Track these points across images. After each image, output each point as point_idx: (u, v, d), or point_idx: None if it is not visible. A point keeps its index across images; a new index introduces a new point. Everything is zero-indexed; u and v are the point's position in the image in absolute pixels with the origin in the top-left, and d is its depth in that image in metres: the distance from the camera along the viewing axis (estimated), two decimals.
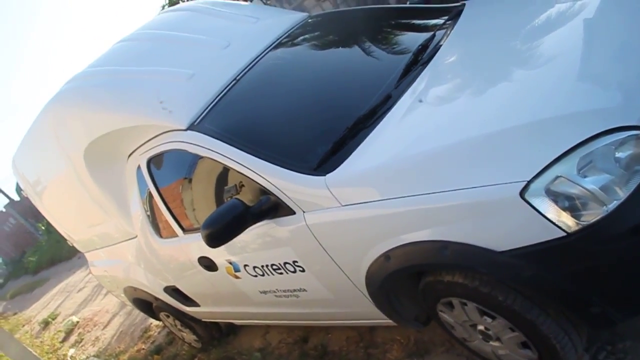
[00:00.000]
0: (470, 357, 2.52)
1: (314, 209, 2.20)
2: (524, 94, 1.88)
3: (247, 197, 2.45)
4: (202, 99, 2.76)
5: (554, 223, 1.57)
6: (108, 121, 3.13)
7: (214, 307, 3.71)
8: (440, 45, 2.61)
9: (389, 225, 1.96)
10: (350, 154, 2.16)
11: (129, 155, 3.27)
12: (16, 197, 22.86)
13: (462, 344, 2.41)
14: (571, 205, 1.56)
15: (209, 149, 2.55)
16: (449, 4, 3.17)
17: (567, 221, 1.56)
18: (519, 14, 2.56)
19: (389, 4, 7.68)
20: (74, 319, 7.91)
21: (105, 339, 6.48)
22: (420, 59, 2.57)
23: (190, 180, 2.99)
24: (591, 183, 1.54)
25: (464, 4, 3.02)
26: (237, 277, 2.93)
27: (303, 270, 2.48)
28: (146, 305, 4.56)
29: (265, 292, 2.91)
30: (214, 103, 2.74)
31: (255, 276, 2.78)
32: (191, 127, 2.67)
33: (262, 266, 2.67)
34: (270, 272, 2.65)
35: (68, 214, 4.43)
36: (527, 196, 1.57)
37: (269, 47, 3.14)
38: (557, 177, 1.56)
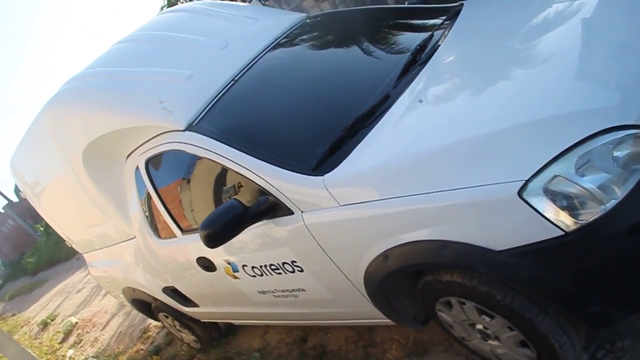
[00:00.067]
0: (469, 356, 2.53)
1: (313, 209, 2.21)
2: (522, 94, 1.89)
3: (245, 197, 2.45)
4: (200, 99, 2.76)
5: (552, 222, 1.57)
6: (106, 122, 3.13)
7: (213, 307, 3.71)
8: (439, 45, 2.61)
9: (387, 224, 1.96)
10: (349, 154, 2.16)
11: (128, 156, 3.27)
12: (15, 199, 22.86)
13: (461, 343, 2.41)
14: (569, 204, 1.56)
15: (207, 150, 2.55)
16: (447, 4, 3.17)
17: (566, 220, 1.56)
18: (517, 14, 2.56)
19: (387, 4, 7.68)
20: (73, 319, 7.91)
21: (104, 339, 6.48)
22: (419, 58, 2.57)
23: (188, 181, 2.99)
24: (589, 182, 1.55)
25: (462, 4, 3.02)
26: (235, 278, 2.93)
27: (302, 270, 2.48)
28: (145, 305, 4.55)
29: (263, 292, 2.91)
30: (212, 104, 2.74)
31: (254, 276, 2.78)
32: (189, 128, 2.66)
33: (261, 266, 2.67)
34: (269, 272, 2.65)
35: (66, 215, 4.43)
36: (525, 195, 1.58)
37: (268, 47, 3.15)
38: (555, 177, 1.57)
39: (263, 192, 2.34)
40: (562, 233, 1.56)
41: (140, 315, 5.59)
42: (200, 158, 2.66)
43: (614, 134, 1.56)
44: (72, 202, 3.94)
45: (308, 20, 3.60)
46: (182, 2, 9.76)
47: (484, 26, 2.68)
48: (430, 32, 2.79)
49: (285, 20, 3.54)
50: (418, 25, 3.24)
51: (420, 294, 2.21)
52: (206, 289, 3.39)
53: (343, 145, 2.24)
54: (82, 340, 7.04)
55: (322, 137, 2.34)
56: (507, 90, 2.00)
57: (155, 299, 4.16)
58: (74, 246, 5.00)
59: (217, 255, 2.85)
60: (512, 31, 2.42)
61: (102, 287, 5.63)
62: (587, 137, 1.56)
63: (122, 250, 3.99)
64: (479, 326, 2.16)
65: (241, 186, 2.51)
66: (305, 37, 3.42)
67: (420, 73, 2.43)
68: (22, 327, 9.87)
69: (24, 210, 20.94)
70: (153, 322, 5.63)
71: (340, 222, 2.12)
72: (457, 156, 1.80)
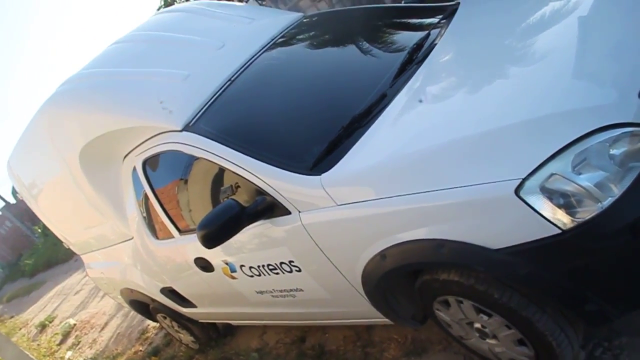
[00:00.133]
0: (467, 355, 2.53)
1: (310, 208, 2.20)
2: (519, 92, 1.88)
3: (242, 197, 2.45)
4: (197, 99, 2.76)
5: (549, 220, 1.57)
6: (103, 123, 3.13)
7: (211, 307, 3.70)
8: (435, 44, 2.61)
9: (384, 224, 1.96)
10: (346, 153, 2.16)
11: (125, 157, 3.27)
12: (12, 200, 22.83)
13: (459, 342, 2.41)
14: (566, 202, 1.56)
15: (204, 150, 2.55)
16: (444, 2, 3.17)
17: (562, 218, 1.56)
18: (513, 13, 2.56)
19: (384, 3, 7.68)
20: (71, 321, 7.90)
21: (103, 341, 6.47)
22: (415, 57, 2.57)
23: (186, 181, 2.99)
24: (586, 180, 1.55)
25: (459, 3, 3.02)
26: (233, 278, 2.92)
27: (299, 270, 2.47)
28: (143, 306, 4.55)
29: (261, 293, 2.90)
30: (209, 104, 2.74)
31: (252, 276, 2.78)
32: (186, 128, 2.66)
33: (259, 266, 2.67)
34: (267, 272, 2.65)
35: (64, 216, 4.42)
36: (522, 194, 1.58)
37: (264, 47, 3.14)
38: (551, 175, 1.57)
39: (260, 192, 2.33)
40: (559, 231, 1.56)
41: (139, 316, 5.59)
42: (197, 158, 2.66)
43: (610, 131, 1.56)
44: (69, 204, 3.93)
45: (305, 20, 3.59)
46: (178, 2, 9.76)
47: (480, 25, 2.68)
48: (426, 31, 2.80)
49: (281, 20, 3.53)
50: (415, 24, 3.24)
51: (418, 293, 2.21)
52: (204, 289, 3.39)
53: (340, 144, 2.24)
54: (80, 341, 7.04)
55: (319, 137, 2.34)
56: (504, 89, 2.00)
57: (153, 300, 4.16)
58: (71, 247, 4.99)
59: (214, 255, 2.85)
60: (508, 29, 2.42)
61: (100, 288, 5.62)
62: (584, 135, 1.56)
63: (119, 252, 3.99)
64: (477, 325, 2.16)
65: (238, 186, 2.51)
66: (301, 36, 3.41)
67: (417, 72, 2.43)
68: (20, 329, 9.85)
69: (21, 212, 20.93)
70: (151, 323, 5.63)
71: (337, 222, 2.12)
72: (453, 155, 1.79)
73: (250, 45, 3.15)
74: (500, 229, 1.68)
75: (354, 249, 2.14)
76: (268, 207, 2.32)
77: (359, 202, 2.01)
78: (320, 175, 2.14)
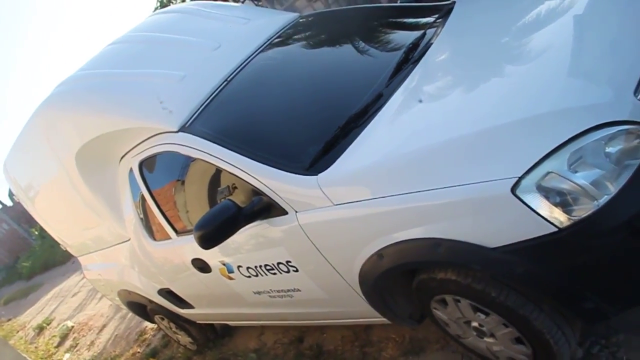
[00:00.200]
0: (465, 354, 2.53)
1: (307, 208, 2.20)
2: (514, 91, 1.89)
3: (239, 198, 2.45)
4: (193, 100, 2.76)
5: (545, 219, 1.58)
6: (99, 124, 3.12)
7: (209, 308, 3.70)
8: (431, 44, 2.61)
9: (381, 223, 1.96)
10: (342, 153, 2.16)
11: (121, 158, 3.26)
12: (9, 203, 22.76)
13: (457, 340, 2.42)
14: (562, 200, 1.57)
15: (200, 151, 2.55)
16: (439, 2, 3.17)
17: (559, 216, 1.57)
18: (508, 11, 2.56)
19: (380, 3, 7.68)
20: (69, 323, 7.88)
21: (101, 343, 6.46)
22: (411, 57, 2.57)
23: (182, 182, 2.98)
24: (582, 178, 1.55)
25: (454, 2, 3.02)
26: (230, 279, 2.92)
27: (296, 270, 2.47)
28: (141, 308, 4.54)
29: (259, 293, 2.90)
30: (205, 104, 2.74)
31: (249, 277, 2.77)
32: (183, 129, 2.66)
33: (256, 267, 2.66)
34: (264, 272, 2.64)
35: (61, 218, 4.41)
36: (518, 192, 1.58)
37: (260, 47, 3.14)
38: (548, 173, 1.57)
39: (257, 192, 2.33)
40: (556, 229, 1.57)
41: (136, 318, 5.58)
42: (194, 159, 2.66)
43: (605, 129, 1.56)
44: (66, 205, 3.93)
45: (301, 20, 3.60)
46: (174, 3, 9.75)
47: (476, 24, 2.68)
48: (422, 31, 2.80)
49: (277, 20, 3.53)
50: (410, 24, 3.24)
51: (415, 292, 2.21)
52: (202, 290, 3.38)
53: (336, 144, 2.24)
54: (78, 344, 7.02)
55: (315, 137, 2.33)
56: (500, 88, 2.00)
57: (151, 301, 4.16)
58: (68, 249, 4.98)
59: (212, 256, 2.85)
60: (504, 28, 2.42)
61: (98, 290, 5.62)
62: (580, 134, 1.56)
63: (117, 253, 3.98)
64: (474, 323, 2.16)
65: (235, 187, 2.51)
66: (297, 36, 3.41)
67: (413, 72, 2.43)
68: (18, 331, 9.82)
69: (18, 214, 20.86)
70: (149, 325, 5.63)
71: (334, 222, 2.12)
72: (450, 154, 1.80)
73: (246, 45, 3.15)
74: (496, 227, 1.68)
75: (351, 249, 2.14)
76: (265, 208, 2.32)
77: (356, 201, 2.01)
78: (316, 175, 2.14)
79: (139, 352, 5.46)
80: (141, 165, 3.11)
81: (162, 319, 4.48)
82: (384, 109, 2.27)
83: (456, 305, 2.11)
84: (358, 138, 2.19)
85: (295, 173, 2.22)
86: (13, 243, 21.97)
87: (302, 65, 3.11)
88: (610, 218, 1.54)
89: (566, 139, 1.57)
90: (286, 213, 2.28)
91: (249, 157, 2.37)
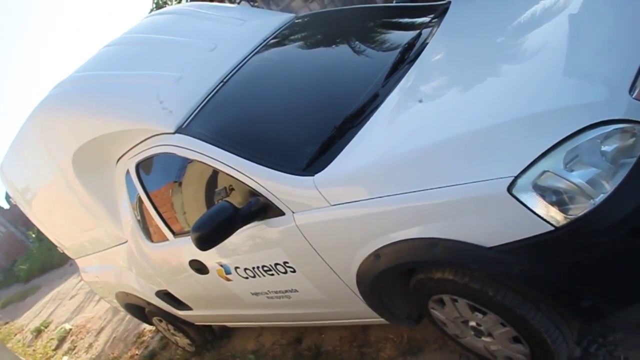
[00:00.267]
0: (463, 354, 2.53)
1: (303, 209, 2.20)
2: (510, 90, 1.89)
3: (236, 199, 2.44)
4: (189, 101, 2.75)
5: (542, 218, 1.58)
6: (95, 126, 3.12)
7: (207, 310, 3.70)
8: (427, 43, 2.61)
9: (378, 223, 1.96)
10: (339, 153, 2.16)
11: (118, 160, 3.26)
12: (5, 205, 22.69)
13: (455, 340, 2.42)
14: (559, 199, 1.57)
15: (197, 152, 2.55)
16: (435, 2, 3.18)
17: (555, 215, 1.57)
18: (504, 11, 2.56)
19: (375, 3, 7.69)
20: (67, 326, 7.86)
21: (99, 345, 6.45)
22: (407, 57, 2.57)
23: (179, 184, 2.98)
24: (578, 177, 1.55)
25: (450, 2, 3.03)
26: (228, 280, 2.92)
27: (294, 271, 2.47)
28: (138, 310, 4.53)
29: (257, 294, 2.90)
30: (201, 106, 2.74)
31: (247, 278, 2.77)
32: (179, 130, 2.65)
33: (253, 268, 2.66)
34: (262, 273, 2.64)
35: (58, 221, 4.40)
36: (514, 192, 1.58)
37: (256, 48, 3.14)
38: (544, 172, 1.57)
39: (254, 193, 2.33)
40: (552, 228, 1.57)
41: (135, 320, 5.57)
42: (190, 161, 2.65)
43: (601, 128, 1.56)
44: (63, 208, 3.92)
45: (296, 21, 3.59)
46: (170, 4, 9.74)
47: (471, 23, 2.68)
48: (418, 31, 2.80)
49: (273, 20, 3.53)
50: (406, 24, 3.25)
51: (413, 292, 2.21)
52: (199, 291, 3.38)
53: (333, 145, 2.24)
54: (76, 346, 7.00)
55: (312, 137, 2.33)
56: (496, 87, 2.00)
57: (149, 303, 4.15)
58: (66, 252, 4.97)
59: (209, 257, 2.84)
60: (499, 28, 2.42)
61: (95, 292, 5.60)
62: (575, 132, 1.56)
63: (114, 255, 3.97)
64: (472, 323, 2.16)
65: (232, 188, 2.50)
66: (293, 37, 3.41)
67: (409, 71, 2.43)
68: (16, 335, 9.80)
69: (15, 217, 20.78)
70: (147, 327, 5.61)
71: (331, 222, 2.12)
72: (446, 154, 1.80)
73: (242, 46, 3.14)
74: (493, 226, 1.68)
75: (348, 249, 2.14)
76: (262, 209, 2.32)
77: (353, 202, 2.01)
78: (313, 175, 2.14)
79: (137, 355, 5.45)
80: (138, 167, 3.10)
81: (160, 320, 4.48)
82: (380, 109, 2.27)
83: (454, 304, 2.11)
84: (354, 138, 2.19)
85: (292, 174, 2.22)
86: (10, 246, 21.90)
87: (298, 65, 3.11)
88: (607, 216, 1.54)
89: (562, 137, 1.57)
90: (283, 214, 2.28)
91: (245, 158, 2.36)
